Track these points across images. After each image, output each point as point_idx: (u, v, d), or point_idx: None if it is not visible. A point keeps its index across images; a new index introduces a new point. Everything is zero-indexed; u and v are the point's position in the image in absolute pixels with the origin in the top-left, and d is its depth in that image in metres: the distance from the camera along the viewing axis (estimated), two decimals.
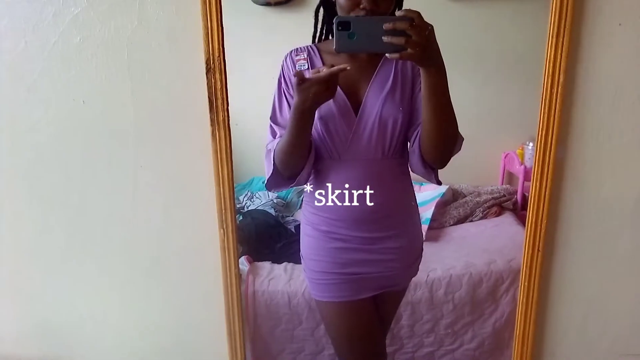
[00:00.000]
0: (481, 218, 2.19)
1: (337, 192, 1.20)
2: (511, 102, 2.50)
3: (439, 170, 1.22)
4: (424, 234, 2.03)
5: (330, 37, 1.28)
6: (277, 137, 1.23)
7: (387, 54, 0.91)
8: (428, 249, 1.91)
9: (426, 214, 2.13)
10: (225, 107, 1.12)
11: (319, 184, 1.24)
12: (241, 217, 2.17)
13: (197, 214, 1.26)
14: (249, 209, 2.26)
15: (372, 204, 1.20)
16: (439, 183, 1.22)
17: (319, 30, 1.28)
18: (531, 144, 2.36)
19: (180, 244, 1.31)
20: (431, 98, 1.00)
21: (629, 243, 1.28)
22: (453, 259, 1.84)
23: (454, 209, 2.19)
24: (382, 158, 1.18)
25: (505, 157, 2.55)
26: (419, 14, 0.91)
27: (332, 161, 1.20)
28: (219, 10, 1.07)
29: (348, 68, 1.05)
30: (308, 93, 1.04)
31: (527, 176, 2.29)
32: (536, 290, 1.24)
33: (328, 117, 1.16)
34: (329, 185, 1.21)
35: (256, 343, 1.72)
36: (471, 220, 2.20)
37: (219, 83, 1.09)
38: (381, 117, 1.15)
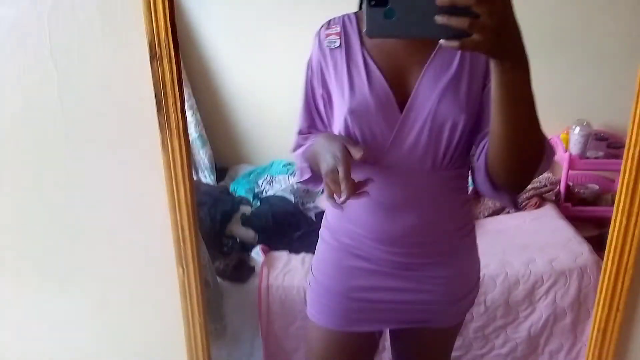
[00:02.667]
0: (519, 210, 2.02)
1: (367, 203, 0.92)
2: (554, 82, 2.27)
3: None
4: None
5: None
6: (300, 145, 1.01)
7: (441, 41, 0.63)
8: None
9: None
10: (179, 106, 0.82)
11: None
12: (259, 203, 2.05)
13: (150, 248, 0.97)
14: (268, 194, 2.14)
15: (413, 223, 0.92)
16: (516, 207, 0.93)
17: None
18: (577, 128, 2.13)
19: (131, 284, 1.02)
20: (504, 102, 0.70)
21: None
22: (487, 256, 1.67)
23: (489, 200, 2.01)
24: (432, 170, 0.89)
25: None
26: None
27: (366, 165, 0.90)
28: None
29: (367, 191, 0.82)
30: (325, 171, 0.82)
31: (572, 164, 2.08)
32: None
33: (362, 111, 0.88)
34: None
35: (269, 340, 1.62)
36: (508, 212, 2.02)
37: (168, 74, 0.80)
38: (435, 116, 0.86)
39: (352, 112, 0.88)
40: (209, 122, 2.37)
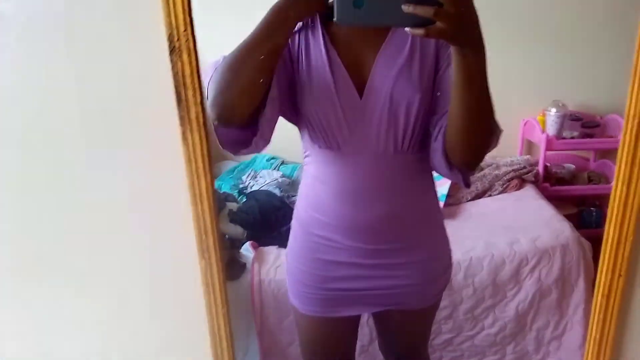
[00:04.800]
0: (501, 192, 2.06)
1: (335, 192, 0.95)
2: (529, 65, 2.32)
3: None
4: None
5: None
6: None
7: (408, 29, 0.67)
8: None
9: (441, 189, 2.00)
10: (199, 99, 0.83)
11: (314, 179, 1.00)
12: (244, 199, 2.05)
13: (172, 241, 0.96)
14: (253, 189, 2.14)
15: (382, 210, 0.95)
16: (468, 185, 0.95)
17: None
18: (553, 110, 2.19)
19: (152, 280, 1.02)
20: (464, 85, 0.76)
21: None
22: (472, 239, 1.72)
23: (472, 184, 2.05)
24: (395, 153, 0.93)
25: (524, 125, 2.39)
26: None
27: (330, 152, 0.95)
28: None
29: None
30: None
31: (549, 145, 2.14)
32: (613, 325, 0.95)
33: (323, 97, 0.91)
34: (326, 183, 0.97)
35: (264, 335, 1.63)
36: (490, 195, 2.06)
37: (187, 67, 0.81)
38: (392, 99, 0.89)
39: (313, 96, 0.91)
40: None
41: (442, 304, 1.64)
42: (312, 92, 0.91)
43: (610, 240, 0.87)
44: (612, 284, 0.91)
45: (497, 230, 1.76)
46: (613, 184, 0.84)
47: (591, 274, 1.65)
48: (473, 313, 1.67)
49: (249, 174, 2.24)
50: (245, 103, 0.87)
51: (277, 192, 2.07)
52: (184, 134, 0.85)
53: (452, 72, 0.77)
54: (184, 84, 0.82)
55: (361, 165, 0.93)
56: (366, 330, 1.56)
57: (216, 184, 2.24)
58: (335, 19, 0.69)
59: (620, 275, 0.89)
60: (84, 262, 1.02)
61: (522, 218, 1.83)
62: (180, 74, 0.81)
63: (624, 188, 0.83)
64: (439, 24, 0.65)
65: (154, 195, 0.94)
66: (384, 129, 0.91)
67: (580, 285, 1.65)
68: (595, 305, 0.93)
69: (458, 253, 1.65)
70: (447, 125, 0.85)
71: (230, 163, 2.41)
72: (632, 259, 0.90)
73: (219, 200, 1.97)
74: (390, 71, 0.90)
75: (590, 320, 0.94)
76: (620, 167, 0.83)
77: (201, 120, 0.84)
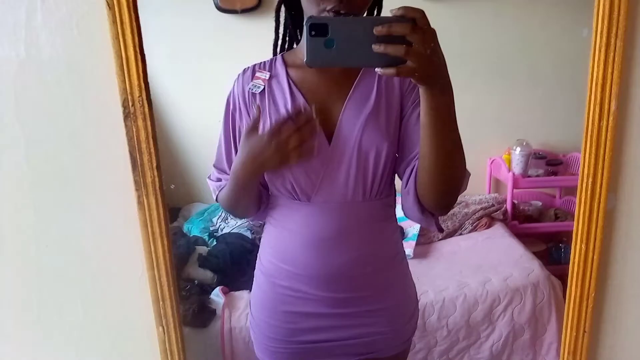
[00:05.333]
0: (471, 231, 2.08)
1: (303, 241, 0.94)
2: (494, 106, 2.40)
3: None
4: (411, 250, 1.92)
5: (294, 46, 1.01)
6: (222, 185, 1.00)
7: (378, 70, 0.67)
8: (417, 267, 1.79)
9: (412, 229, 2.01)
10: (155, 164, 0.81)
11: (281, 229, 0.97)
12: (215, 242, 2.01)
13: (128, 308, 0.93)
14: (224, 231, 2.10)
15: (349, 257, 0.93)
16: (441, 230, 0.95)
17: (280, 36, 1.00)
18: (518, 149, 2.25)
19: (108, 348, 0.96)
20: (433, 125, 0.75)
21: None
22: (445, 278, 1.72)
23: (442, 222, 2.07)
24: (363, 200, 0.91)
25: (491, 164, 2.44)
26: (423, 13, 0.65)
27: (299, 204, 0.93)
28: (136, 33, 0.76)
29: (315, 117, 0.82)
30: (263, 147, 0.81)
31: (515, 183, 2.19)
32: None
33: None
34: (294, 232, 0.95)
35: None
36: (460, 234, 2.08)
37: (142, 132, 0.79)
38: (360, 147, 0.89)
39: None
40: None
41: (418, 346, 1.62)
42: None
43: (573, 298, 0.88)
44: (577, 342, 0.91)
45: (469, 269, 1.77)
46: (572, 240, 0.86)
47: (562, 313, 1.66)
48: (448, 355, 1.65)
49: (220, 216, 2.20)
50: (250, 210, 0.99)
51: (248, 234, 2.04)
52: (139, 198, 0.83)
53: (421, 114, 0.76)
54: (139, 149, 0.80)
55: (331, 215, 0.92)
56: None
57: (186, 227, 2.19)
58: (306, 61, 0.68)
59: (585, 331, 0.90)
60: (38, 331, 0.95)
61: (492, 257, 1.84)
62: (135, 139, 0.80)
63: (583, 246, 0.84)
64: (409, 63, 0.65)
65: (110, 260, 0.91)
66: (353, 177, 0.90)
67: (552, 323, 1.66)
68: None
69: (431, 293, 1.65)
70: (419, 168, 0.84)
71: (200, 205, 2.37)
72: (595, 315, 0.91)
73: (188, 245, 1.93)
74: (358, 119, 0.90)
75: None
76: (578, 221, 0.84)
77: (157, 184, 0.82)
